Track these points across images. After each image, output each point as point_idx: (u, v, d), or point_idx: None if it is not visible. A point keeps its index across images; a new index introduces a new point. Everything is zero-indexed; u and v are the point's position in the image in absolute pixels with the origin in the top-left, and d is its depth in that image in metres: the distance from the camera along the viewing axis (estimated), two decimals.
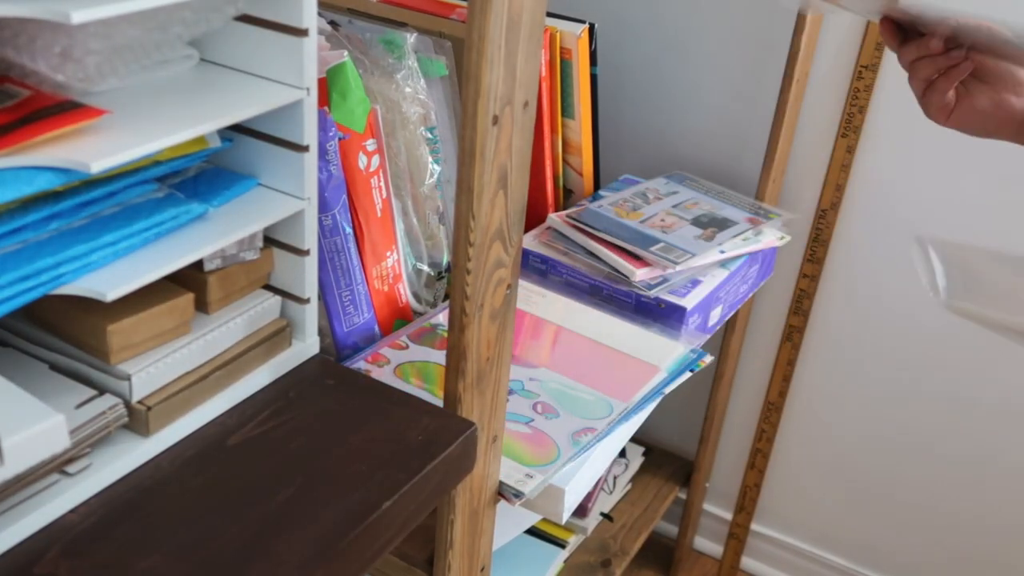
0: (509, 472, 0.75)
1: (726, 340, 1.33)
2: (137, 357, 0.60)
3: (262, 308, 0.68)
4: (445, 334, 0.89)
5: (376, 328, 0.88)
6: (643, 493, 1.37)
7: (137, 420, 0.60)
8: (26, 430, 0.47)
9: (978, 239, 1.18)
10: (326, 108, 0.78)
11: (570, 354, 0.91)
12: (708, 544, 1.61)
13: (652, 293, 0.98)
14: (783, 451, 1.46)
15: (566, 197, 1.21)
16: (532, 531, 1.19)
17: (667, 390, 0.88)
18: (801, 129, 1.24)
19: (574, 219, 1.07)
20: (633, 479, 1.39)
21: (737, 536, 1.53)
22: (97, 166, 0.52)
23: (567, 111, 1.13)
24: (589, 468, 0.80)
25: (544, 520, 1.14)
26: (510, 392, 0.83)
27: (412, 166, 0.91)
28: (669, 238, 1.05)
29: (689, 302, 0.98)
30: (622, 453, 1.40)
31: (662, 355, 0.92)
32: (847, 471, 1.42)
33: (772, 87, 1.20)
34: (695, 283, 1.02)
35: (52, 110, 0.53)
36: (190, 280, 0.64)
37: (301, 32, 0.61)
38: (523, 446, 0.78)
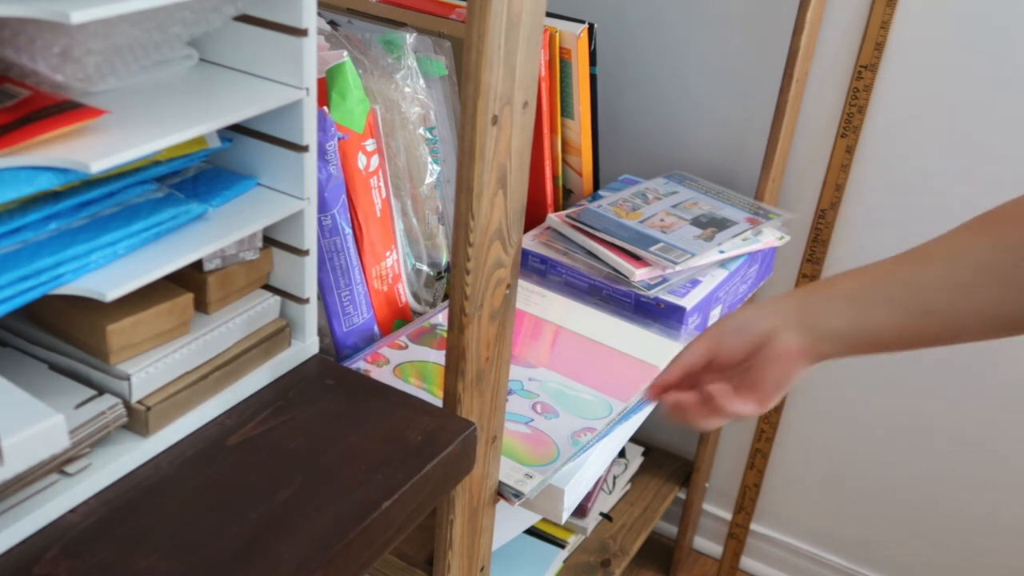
0: (508, 472, 0.75)
1: None
2: (137, 357, 0.60)
3: (261, 308, 0.68)
4: (444, 334, 0.89)
5: (376, 328, 0.88)
6: (643, 493, 1.37)
7: (137, 420, 0.60)
8: (26, 430, 0.47)
9: None
10: (325, 108, 0.78)
11: (570, 354, 0.91)
12: (708, 544, 1.61)
13: (652, 293, 0.98)
14: (783, 451, 1.46)
15: (565, 197, 1.21)
16: (532, 531, 1.19)
17: None
18: (801, 129, 1.24)
19: (573, 219, 1.07)
20: (633, 479, 1.39)
21: (737, 536, 1.53)
22: (97, 166, 0.52)
23: (566, 111, 1.13)
24: (589, 468, 0.80)
25: (544, 520, 1.14)
26: (509, 392, 0.83)
27: (411, 166, 0.91)
28: (668, 238, 1.05)
29: (688, 302, 0.98)
30: (622, 453, 1.40)
31: (661, 355, 0.92)
32: (847, 471, 1.42)
33: (772, 87, 1.20)
34: (694, 283, 1.02)
35: (51, 110, 0.53)
36: (190, 280, 0.64)
37: (301, 32, 0.61)
38: (523, 446, 0.78)
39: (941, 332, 0.67)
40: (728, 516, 1.55)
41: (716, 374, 0.75)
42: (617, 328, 0.96)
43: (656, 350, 0.93)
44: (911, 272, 0.68)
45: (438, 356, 0.86)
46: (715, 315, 1.06)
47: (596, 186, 1.21)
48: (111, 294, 0.54)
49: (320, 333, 0.76)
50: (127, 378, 0.59)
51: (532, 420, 0.81)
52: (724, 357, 0.74)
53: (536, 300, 1.00)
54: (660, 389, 0.77)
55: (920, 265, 0.68)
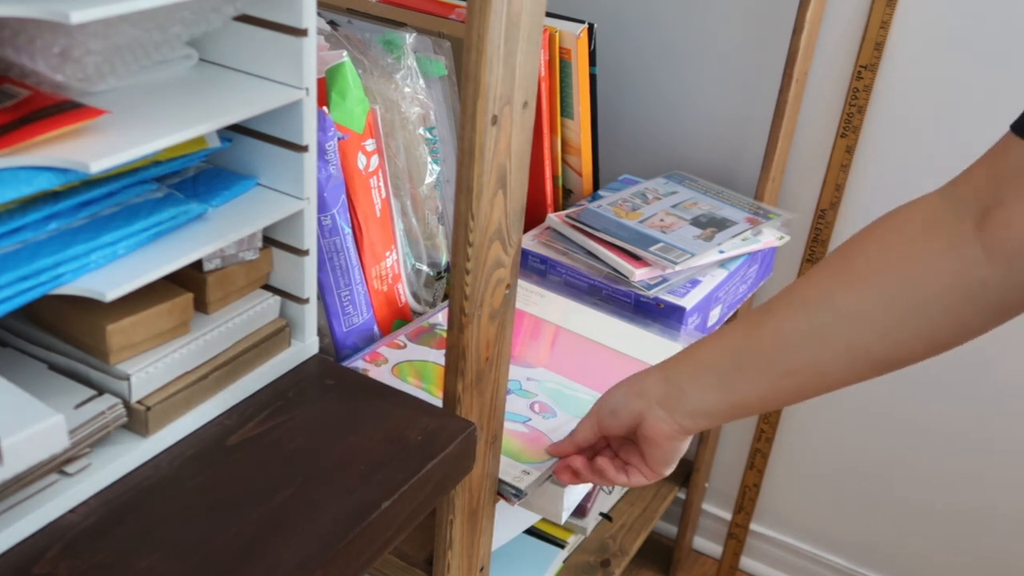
0: (506, 469, 0.75)
1: None
2: (136, 357, 0.60)
3: (261, 308, 0.68)
4: (443, 334, 0.89)
5: (375, 328, 0.88)
6: (642, 493, 1.37)
7: (136, 420, 0.60)
8: (25, 430, 0.47)
9: None
10: (325, 108, 0.78)
11: (568, 354, 0.91)
12: (707, 544, 1.61)
13: (651, 293, 0.98)
14: (782, 451, 1.46)
15: (565, 197, 1.21)
16: (531, 531, 1.19)
17: None
18: (800, 129, 1.24)
19: (573, 219, 1.07)
20: None
21: (736, 536, 1.53)
22: (96, 166, 0.52)
23: (566, 111, 1.13)
24: None
25: (543, 520, 1.14)
26: (508, 392, 0.83)
27: (411, 166, 0.91)
28: (668, 238, 1.05)
29: (688, 302, 0.98)
30: None
31: (660, 355, 0.92)
32: (846, 471, 1.42)
33: (771, 87, 1.20)
34: (694, 283, 1.02)
35: (51, 110, 0.53)
36: (189, 280, 0.64)
37: (300, 32, 0.61)
38: (520, 444, 0.78)
39: (806, 386, 0.67)
40: (728, 516, 1.55)
41: (616, 442, 0.77)
42: (616, 328, 0.96)
43: (655, 350, 0.93)
44: (769, 332, 0.67)
45: (437, 355, 0.86)
46: (715, 315, 1.06)
47: (596, 186, 1.21)
48: (111, 294, 0.54)
49: (320, 333, 0.76)
50: (127, 378, 0.59)
51: (530, 419, 0.81)
52: (609, 435, 0.76)
53: (536, 300, 1.00)
54: (557, 454, 0.78)
55: (777, 322, 0.67)
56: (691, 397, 0.70)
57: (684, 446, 0.74)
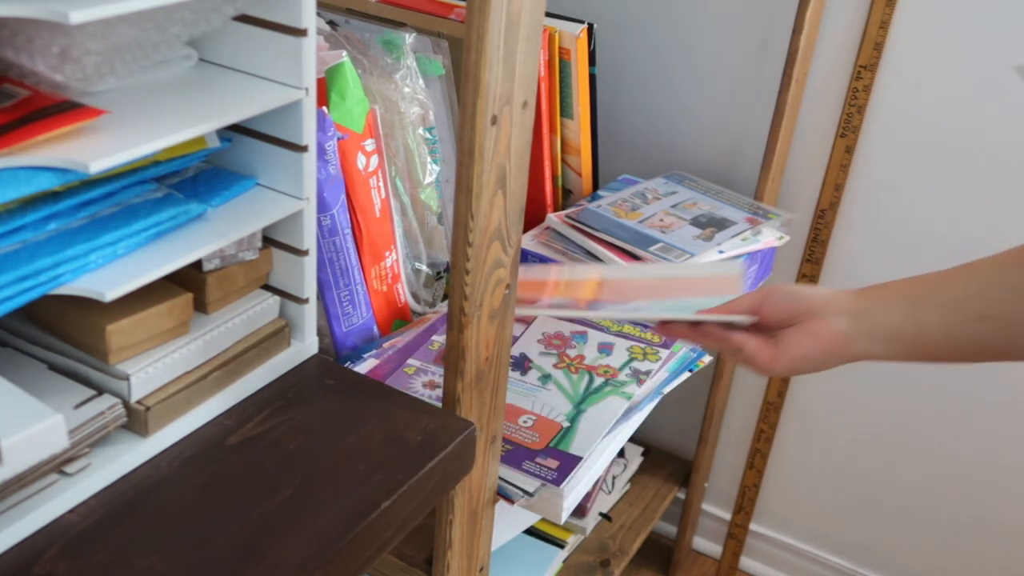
0: (684, 309, 0.74)
1: None
2: (136, 357, 0.60)
3: (261, 308, 0.68)
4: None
5: (375, 328, 0.88)
6: (642, 493, 1.37)
7: (136, 420, 0.60)
8: (25, 430, 0.47)
9: (977, 238, 1.18)
10: (325, 108, 0.78)
11: (656, 288, 0.87)
12: (707, 544, 1.61)
13: None
14: (782, 451, 1.46)
15: (565, 197, 1.21)
16: (531, 531, 1.19)
17: (666, 390, 0.87)
18: (800, 129, 1.24)
19: (573, 219, 1.07)
20: (632, 479, 1.39)
21: (736, 536, 1.53)
22: (96, 166, 0.52)
23: (566, 111, 1.13)
24: (588, 468, 0.80)
25: (543, 520, 1.14)
26: (632, 312, 0.81)
27: (411, 166, 0.91)
28: (668, 238, 1.05)
29: None
30: (621, 453, 1.40)
31: (726, 268, 0.90)
32: (846, 471, 1.42)
33: (771, 87, 1.20)
34: None
35: (51, 110, 0.53)
36: (189, 280, 0.64)
37: (300, 32, 0.61)
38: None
39: (989, 341, 0.67)
40: (727, 516, 1.55)
41: (754, 332, 0.75)
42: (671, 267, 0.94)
43: (717, 266, 0.91)
44: (969, 278, 0.68)
45: None
46: None
47: (595, 186, 1.21)
48: (110, 294, 0.54)
49: (319, 333, 0.76)
50: (126, 378, 0.59)
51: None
52: (767, 315, 0.74)
53: (569, 271, 0.94)
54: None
55: (978, 272, 0.68)
56: (876, 314, 0.70)
57: (825, 363, 0.73)
